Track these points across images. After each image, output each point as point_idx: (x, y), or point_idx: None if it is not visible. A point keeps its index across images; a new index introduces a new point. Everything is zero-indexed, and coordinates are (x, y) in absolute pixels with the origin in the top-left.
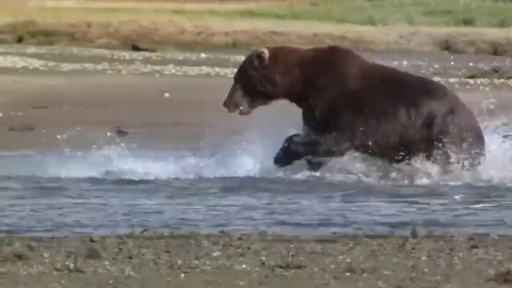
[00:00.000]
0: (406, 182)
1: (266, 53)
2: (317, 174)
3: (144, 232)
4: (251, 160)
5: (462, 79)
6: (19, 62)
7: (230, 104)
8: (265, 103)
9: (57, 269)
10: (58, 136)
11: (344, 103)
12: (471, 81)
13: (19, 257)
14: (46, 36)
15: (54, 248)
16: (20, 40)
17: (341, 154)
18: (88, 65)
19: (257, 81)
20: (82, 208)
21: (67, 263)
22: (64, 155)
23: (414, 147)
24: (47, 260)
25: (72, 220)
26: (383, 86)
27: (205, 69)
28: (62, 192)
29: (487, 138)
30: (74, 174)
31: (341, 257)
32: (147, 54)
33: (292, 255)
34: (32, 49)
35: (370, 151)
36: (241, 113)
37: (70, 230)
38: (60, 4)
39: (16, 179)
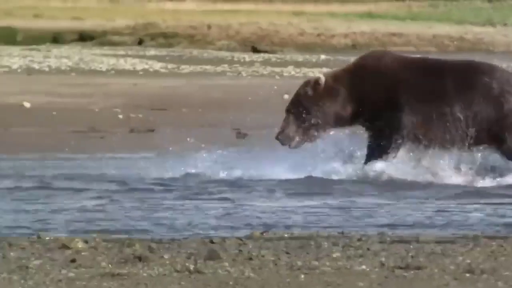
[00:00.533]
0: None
1: (323, 79)
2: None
3: (264, 234)
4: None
5: None
6: (139, 64)
7: (283, 137)
8: (318, 136)
9: (177, 271)
10: (178, 137)
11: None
12: None
13: (140, 258)
14: (166, 38)
15: (174, 250)
16: (140, 42)
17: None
18: (207, 67)
19: (312, 112)
20: (201, 209)
21: (187, 264)
22: (184, 157)
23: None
24: (167, 262)
25: (192, 221)
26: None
27: (325, 70)
28: (182, 192)
29: None
30: (194, 174)
31: (460, 258)
32: (266, 55)
33: (412, 256)
34: (152, 52)
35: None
36: (293, 146)
37: (191, 232)
38: (180, 6)
39: (136, 180)
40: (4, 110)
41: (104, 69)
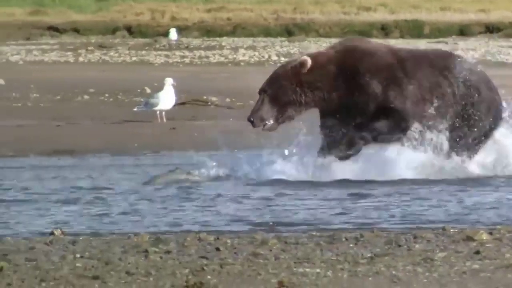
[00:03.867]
0: None
1: (309, 61)
2: None
3: None
4: None
5: None
6: None
7: (255, 118)
8: (292, 117)
9: None
10: None
11: (393, 88)
12: None
13: None
14: None
15: None
16: None
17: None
18: None
19: (293, 91)
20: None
21: None
22: None
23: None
24: None
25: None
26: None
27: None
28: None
29: None
30: None
31: None
32: None
33: None
34: None
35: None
36: (267, 129)
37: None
38: None
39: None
40: None
41: (510, 61)
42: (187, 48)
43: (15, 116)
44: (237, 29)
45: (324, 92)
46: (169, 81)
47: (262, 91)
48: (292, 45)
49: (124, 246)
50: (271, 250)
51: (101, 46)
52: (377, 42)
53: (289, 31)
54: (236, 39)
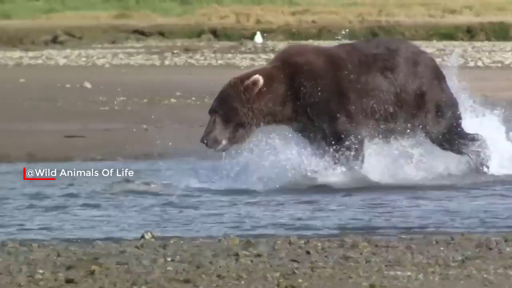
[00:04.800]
0: None
1: (261, 80)
2: None
3: None
4: None
5: None
6: None
7: (208, 140)
8: (246, 137)
9: None
10: None
11: (338, 98)
12: None
13: None
14: None
15: None
16: None
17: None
18: None
19: (244, 111)
20: None
21: None
22: None
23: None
24: None
25: None
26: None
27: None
28: None
29: None
30: None
31: None
32: None
33: None
34: None
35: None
36: (220, 149)
37: None
38: None
39: None
40: None
41: None
42: (272, 51)
43: (102, 119)
44: (322, 32)
45: (274, 110)
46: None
47: (212, 111)
48: None
49: (215, 250)
50: (361, 253)
51: (186, 49)
52: (315, 47)
53: (374, 34)
54: (321, 42)
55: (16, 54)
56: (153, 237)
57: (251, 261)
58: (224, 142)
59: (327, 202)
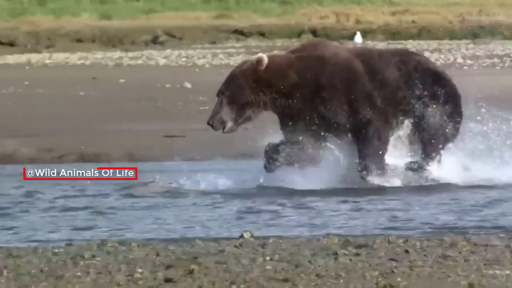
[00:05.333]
0: None
1: (265, 59)
2: None
3: None
4: None
5: None
6: None
7: (215, 121)
8: (251, 118)
9: None
10: None
11: (358, 96)
12: None
13: None
14: None
15: None
16: None
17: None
18: None
19: (250, 91)
20: None
21: None
22: None
23: None
24: None
25: None
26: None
27: None
28: None
29: None
30: None
31: None
32: None
33: None
34: None
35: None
36: (227, 131)
37: None
38: None
39: None
40: None
41: None
42: None
43: (203, 119)
44: (422, 32)
45: (281, 96)
46: None
47: (219, 93)
48: (477, 48)
49: (313, 249)
50: (460, 252)
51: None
52: (342, 46)
53: (474, 34)
54: (421, 42)
55: (116, 54)
56: (252, 236)
57: (350, 260)
58: (230, 123)
59: (417, 201)
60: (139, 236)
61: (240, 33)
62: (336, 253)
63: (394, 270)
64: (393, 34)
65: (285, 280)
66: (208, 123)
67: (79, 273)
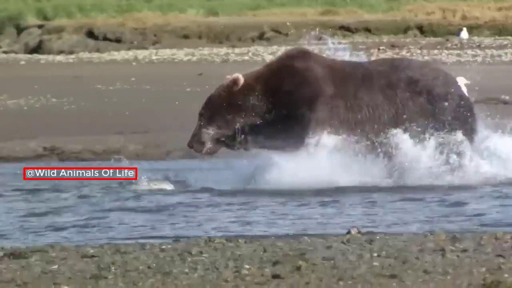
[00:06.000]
0: None
1: (241, 78)
2: None
3: None
4: None
5: None
6: None
7: (194, 143)
8: (233, 139)
9: None
10: None
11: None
12: None
13: None
14: None
15: None
16: None
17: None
18: None
19: (227, 112)
20: None
21: None
22: None
23: None
24: None
25: None
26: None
27: None
28: None
29: None
30: None
31: None
32: None
33: None
34: None
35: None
36: (207, 152)
37: None
38: None
39: None
40: None
41: None
42: (478, 47)
43: None
44: None
45: (256, 115)
46: (461, 80)
47: (199, 115)
48: None
49: (420, 245)
50: None
51: (393, 46)
52: (322, 57)
53: None
54: None
55: (223, 50)
56: (359, 232)
57: (457, 256)
58: (209, 144)
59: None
60: (245, 232)
61: (346, 29)
62: (443, 249)
63: (502, 266)
64: (499, 29)
65: (393, 276)
66: (188, 146)
67: (186, 270)
